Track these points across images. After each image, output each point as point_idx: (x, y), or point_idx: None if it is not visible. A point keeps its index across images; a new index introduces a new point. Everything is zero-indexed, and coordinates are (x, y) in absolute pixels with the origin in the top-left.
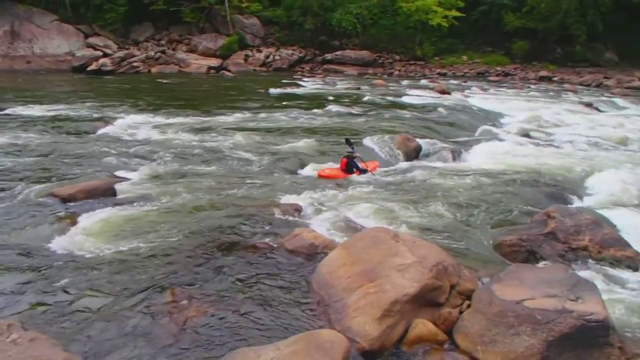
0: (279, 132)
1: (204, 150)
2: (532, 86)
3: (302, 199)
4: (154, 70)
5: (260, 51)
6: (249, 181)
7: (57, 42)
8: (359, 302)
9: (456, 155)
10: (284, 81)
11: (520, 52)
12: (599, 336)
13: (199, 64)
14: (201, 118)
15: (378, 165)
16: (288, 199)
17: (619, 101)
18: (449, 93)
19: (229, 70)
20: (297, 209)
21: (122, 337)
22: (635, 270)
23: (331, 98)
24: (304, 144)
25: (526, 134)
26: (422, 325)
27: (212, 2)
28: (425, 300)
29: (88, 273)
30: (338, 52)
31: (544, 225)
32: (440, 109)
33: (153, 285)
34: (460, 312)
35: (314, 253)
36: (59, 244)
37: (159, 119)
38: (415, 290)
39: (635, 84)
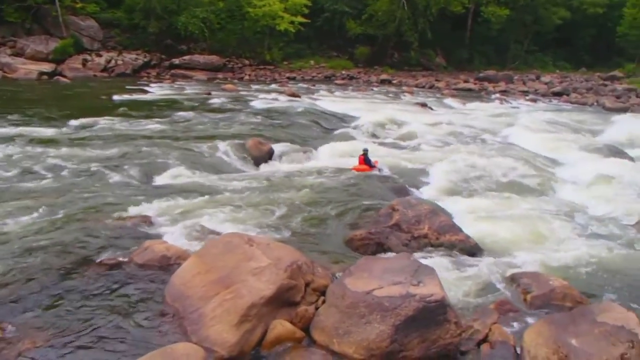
0: (125, 141)
1: (39, 164)
2: (374, 88)
3: (152, 210)
4: None
5: (101, 55)
6: (92, 195)
7: None
8: (215, 310)
9: (308, 157)
10: (128, 87)
11: (362, 57)
12: (438, 314)
13: (27, 68)
14: (34, 129)
15: (377, 162)
16: (137, 210)
17: (448, 101)
18: (299, 96)
19: (64, 76)
20: (147, 220)
21: None
22: (467, 251)
23: (181, 104)
24: (153, 151)
25: (372, 133)
26: (280, 326)
27: (39, 1)
28: (282, 300)
29: None
30: (186, 57)
31: (389, 217)
32: (291, 112)
33: None
34: (316, 308)
35: (167, 265)
36: None
37: None
38: (271, 292)
39: (460, 86)
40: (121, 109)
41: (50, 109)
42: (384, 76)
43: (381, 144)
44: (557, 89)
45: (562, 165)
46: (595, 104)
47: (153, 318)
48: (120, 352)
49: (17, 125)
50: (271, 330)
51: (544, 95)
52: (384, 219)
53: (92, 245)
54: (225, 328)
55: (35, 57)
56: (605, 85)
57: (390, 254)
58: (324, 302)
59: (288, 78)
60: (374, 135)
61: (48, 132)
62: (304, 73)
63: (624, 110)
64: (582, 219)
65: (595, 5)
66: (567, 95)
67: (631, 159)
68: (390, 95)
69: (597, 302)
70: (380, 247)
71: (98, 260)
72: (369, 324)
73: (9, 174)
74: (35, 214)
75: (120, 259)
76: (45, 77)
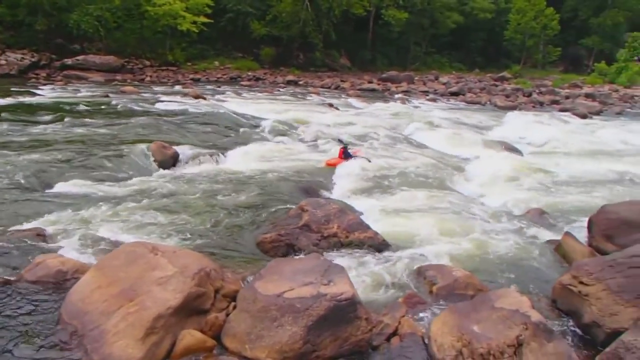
0: (12, 148)
1: None
2: (281, 89)
3: (45, 222)
4: None
5: None
6: None
7: None
8: (118, 325)
9: (215, 160)
10: (14, 89)
11: (268, 58)
12: (349, 312)
13: None
14: None
15: (359, 151)
16: (28, 223)
17: (353, 101)
18: (204, 98)
19: None
20: (40, 234)
21: None
22: (376, 248)
23: (76, 107)
24: (45, 158)
25: (280, 135)
26: (189, 336)
27: None
28: (190, 309)
29: None
30: (80, 57)
31: (299, 218)
32: (196, 115)
33: None
34: (227, 315)
35: (63, 280)
36: None
37: None
38: (178, 301)
39: (365, 86)
40: (4, 114)
41: None
42: (290, 77)
43: (289, 145)
44: (454, 89)
45: (462, 161)
46: (488, 102)
47: (49, 339)
48: None
49: None
50: (180, 341)
51: (442, 95)
52: (294, 219)
53: None
54: (130, 343)
55: None
56: (496, 85)
57: (300, 255)
58: (235, 308)
59: (192, 79)
60: (281, 136)
61: None
62: (209, 74)
63: (513, 108)
64: (481, 211)
65: (485, 11)
66: (463, 94)
67: (520, 153)
68: (298, 96)
69: (495, 289)
70: (291, 249)
71: None
72: (281, 327)
73: None
74: None
75: (9, 277)
76: None
